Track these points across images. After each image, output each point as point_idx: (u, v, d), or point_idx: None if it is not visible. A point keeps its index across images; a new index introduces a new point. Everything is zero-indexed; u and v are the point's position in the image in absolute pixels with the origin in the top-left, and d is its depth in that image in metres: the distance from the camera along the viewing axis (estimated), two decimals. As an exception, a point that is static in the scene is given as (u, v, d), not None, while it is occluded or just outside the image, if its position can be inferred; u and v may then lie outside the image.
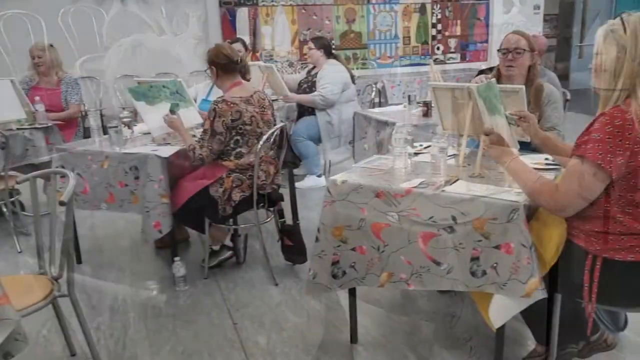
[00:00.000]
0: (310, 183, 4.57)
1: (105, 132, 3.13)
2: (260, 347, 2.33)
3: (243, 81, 2.92)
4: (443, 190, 1.91)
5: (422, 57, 8.39)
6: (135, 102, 2.98)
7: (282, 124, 2.91)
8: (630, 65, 1.58)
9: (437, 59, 8.51)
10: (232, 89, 2.83)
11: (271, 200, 2.94)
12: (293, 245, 2.94)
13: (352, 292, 2.31)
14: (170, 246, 2.96)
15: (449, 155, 2.42)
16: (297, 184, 4.57)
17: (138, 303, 2.75)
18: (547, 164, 2.19)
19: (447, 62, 8.66)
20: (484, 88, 2.00)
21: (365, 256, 2.13)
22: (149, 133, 3.06)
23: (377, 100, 6.46)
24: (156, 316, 2.61)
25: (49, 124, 3.75)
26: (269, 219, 3.12)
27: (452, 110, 2.35)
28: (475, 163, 2.14)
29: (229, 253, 3.06)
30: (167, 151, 2.81)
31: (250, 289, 2.85)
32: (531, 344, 2.15)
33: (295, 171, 4.98)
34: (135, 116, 3.41)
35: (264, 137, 2.73)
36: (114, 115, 4.48)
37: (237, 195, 2.78)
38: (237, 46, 4.27)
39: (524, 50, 2.48)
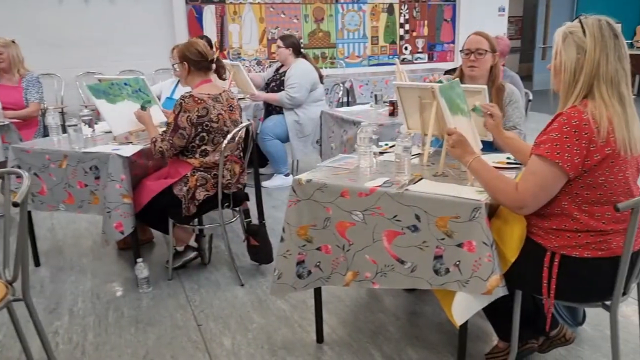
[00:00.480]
0: (277, 182, 4.55)
1: (65, 130, 3.04)
2: (225, 348, 2.30)
3: (212, 80, 2.87)
4: (407, 189, 1.92)
5: (391, 56, 8.47)
6: (95, 100, 2.90)
7: (247, 122, 2.88)
8: (588, 66, 1.62)
9: (405, 58, 8.61)
10: (200, 85, 2.78)
11: (236, 200, 2.91)
12: (259, 245, 2.92)
13: (317, 292, 2.31)
14: (132, 247, 2.89)
15: (413, 155, 2.45)
16: (264, 183, 4.56)
17: (99, 306, 2.68)
18: (508, 163, 2.23)
19: (415, 62, 8.76)
20: (447, 88, 2.02)
21: (331, 255, 2.13)
22: (111, 132, 2.98)
23: (345, 99, 6.49)
24: (118, 319, 2.55)
25: (5, 122, 3.62)
26: (234, 219, 3.08)
27: (416, 110, 2.37)
28: (439, 162, 2.16)
29: (193, 254, 3.01)
30: (129, 150, 2.74)
31: (216, 290, 2.81)
32: (495, 340, 2.18)
33: (263, 170, 4.98)
34: (98, 115, 3.32)
35: (229, 136, 2.70)
36: (75, 113, 4.36)
37: (201, 195, 2.74)
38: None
39: (486, 51, 2.52)
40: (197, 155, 2.75)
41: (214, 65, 2.86)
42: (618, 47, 1.61)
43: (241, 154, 2.97)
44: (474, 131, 2.15)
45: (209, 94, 2.73)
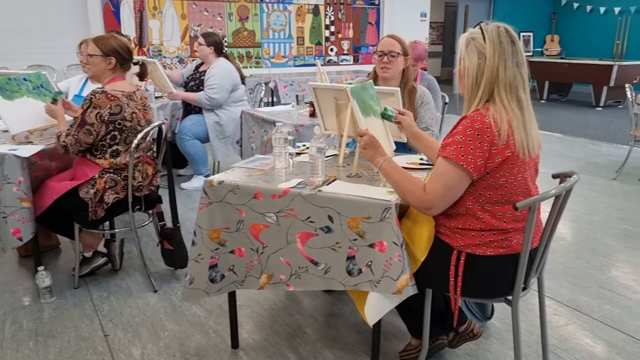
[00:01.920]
0: (197, 184, 4.42)
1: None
2: (134, 358, 2.19)
3: (126, 78, 2.73)
4: (320, 191, 1.91)
5: (316, 57, 8.51)
6: (-11, 96, 2.68)
7: (159, 121, 2.76)
8: (488, 71, 1.67)
9: (330, 60, 8.69)
10: (114, 82, 2.63)
11: (148, 203, 2.78)
12: (173, 250, 2.81)
13: (232, 296, 2.25)
14: (34, 255, 2.69)
15: (330, 155, 2.45)
16: (183, 185, 4.42)
17: (-5, 319, 2.47)
18: (421, 164, 2.28)
19: (341, 63, 8.87)
20: (359, 89, 2.03)
21: (244, 259, 2.08)
22: (8, 131, 2.76)
23: (268, 99, 6.44)
24: (15, 333, 2.36)
25: None
26: (146, 223, 2.95)
27: (333, 111, 2.37)
28: (353, 163, 2.17)
29: (102, 260, 2.85)
30: (28, 151, 2.55)
31: (126, 297, 2.67)
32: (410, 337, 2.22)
33: (182, 171, 4.83)
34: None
35: (139, 135, 2.57)
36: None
37: (110, 198, 2.59)
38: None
39: (398, 53, 2.57)
40: (107, 156, 2.61)
41: (136, 68, 2.74)
42: (515, 54, 1.68)
43: (154, 154, 2.85)
44: (387, 132, 2.18)
45: (123, 92, 2.59)
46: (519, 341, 1.80)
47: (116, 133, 2.58)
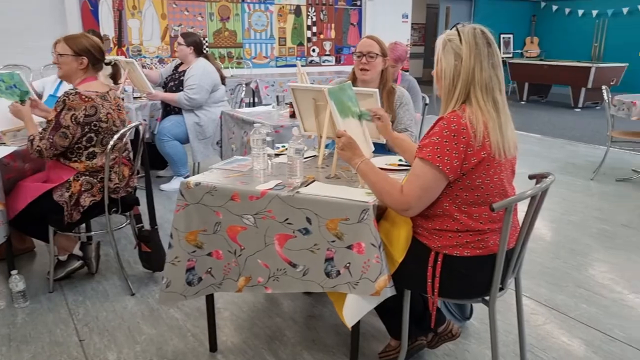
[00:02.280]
0: (176, 185, 4.35)
1: None
2: (110, 364, 2.15)
3: (98, 78, 2.68)
4: (298, 192, 1.90)
5: (298, 58, 8.50)
6: (-40, 96, 2.61)
7: (136, 122, 2.72)
8: (464, 73, 1.68)
9: (312, 60, 8.68)
10: (86, 83, 2.58)
11: (126, 205, 2.74)
12: (151, 252, 2.77)
13: (210, 299, 2.22)
14: (7, 258, 2.64)
15: (309, 156, 2.44)
16: (163, 186, 4.38)
17: (-34, 325, 2.41)
18: (400, 165, 2.29)
19: (323, 64, 8.87)
20: (337, 90, 2.02)
21: (222, 261, 2.06)
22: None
23: (250, 100, 6.41)
24: (-13, 338, 2.31)
25: None
26: (123, 225, 2.91)
27: (312, 112, 2.36)
28: (332, 164, 2.16)
29: (78, 263, 2.80)
30: (0, 152, 2.49)
31: (103, 301, 2.63)
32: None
33: (162, 173, 4.78)
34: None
35: (115, 137, 2.53)
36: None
37: (86, 201, 2.55)
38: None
39: (377, 54, 2.57)
40: (83, 158, 2.56)
41: (109, 68, 2.69)
42: (491, 55, 1.69)
43: (130, 155, 2.81)
44: (365, 133, 2.17)
45: (96, 92, 2.55)
46: (496, 341, 1.81)
47: (92, 135, 2.53)
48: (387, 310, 2.04)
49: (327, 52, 8.86)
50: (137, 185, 2.90)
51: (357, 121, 2.13)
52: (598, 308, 2.65)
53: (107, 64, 2.68)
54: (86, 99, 2.48)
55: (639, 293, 2.81)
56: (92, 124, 2.51)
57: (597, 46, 11.56)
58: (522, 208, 1.73)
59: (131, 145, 2.88)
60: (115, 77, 2.76)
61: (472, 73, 1.67)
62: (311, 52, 8.69)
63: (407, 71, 7.65)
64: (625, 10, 10.95)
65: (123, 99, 4.08)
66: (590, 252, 3.36)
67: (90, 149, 2.56)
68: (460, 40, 1.69)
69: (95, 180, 2.58)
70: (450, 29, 1.74)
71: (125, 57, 4.74)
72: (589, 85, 9.35)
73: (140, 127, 2.77)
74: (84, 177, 2.56)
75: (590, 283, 2.92)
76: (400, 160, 2.35)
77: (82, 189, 2.55)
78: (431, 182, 1.67)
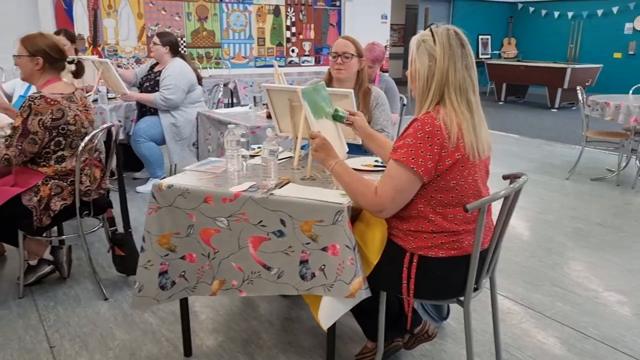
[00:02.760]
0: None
1: None
2: (81, 371, 2.11)
3: (61, 78, 2.62)
4: (271, 194, 1.88)
5: (277, 58, 8.47)
6: None
7: (108, 124, 2.67)
8: (438, 74, 1.68)
9: (292, 61, 8.66)
10: (50, 84, 2.52)
11: (98, 207, 2.68)
12: (125, 255, 2.72)
13: (184, 303, 2.19)
14: (-26, 264, 2.57)
15: (285, 158, 2.42)
16: (139, 188, 4.31)
17: None
18: (376, 166, 2.28)
19: (302, 64, 8.85)
20: (310, 91, 2.01)
21: (196, 264, 2.03)
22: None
23: (228, 100, 6.36)
24: (-47, 347, 2.24)
25: None
26: (95, 228, 2.85)
27: (287, 113, 2.34)
28: (307, 166, 2.15)
29: (49, 268, 2.73)
30: (-34, 154, 2.42)
31: (75, 307, 2.57)
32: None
33: (138, 174, 4.71)
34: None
35: (86, 138, 2.48)
36: None
37: (57, 205, 2.49)
38: (61, 39, 3.83)
39: (352, 55, 2.56)
40: (51, 162, 2.50)
41: (72, 67, 2.62)
42: (465, 56, 1.68)
43: (101, 157, 2.75)
44: (339, 134, 2.16)
45: (62, 94, 2.49)
46: (470, 342, 1.81)
47: (60, 139, 2.47)
48: (362, 312, 2.03)
49: (307, 53, 8.84)
50: (110, 187, 2.85)
51: (332, 122, 2.12)
52: (573, 306, 2.68)
53: (70, 62, 2.60)
54: (52, 102, 2.41)
55: (612, 291, 2.85)
56: (60, 128, 2.45)
57: (573, 47, 11.75)
58: (498, 208, 1.73)
59: (105, 146, 2.82)
60: (77, 74, 2.68)
61: (446, 74, 1.67)
62: (290, 53, 8.66)
63: (386, 72, 7.65)
64: (599, 12, 11.15)
65: (97, 100, 4.02)
66: (566, 250, 3.40)
67: (59, 153, 2.50)
68: (434, 41, 1.69)
69: (65, 183, 2.52)
70: (425, 30, 1.74)
71: (101, 57, 4.64)
72: (565, 86, 9.50)
73: (113, 129, 2.71)
74: (53, 180, 2.50)
75: (565, 281, 2.95)
76: (376, 161, 2.34)
77: (52, 193, 2.49)
78: (405, 184, 1.66)
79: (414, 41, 1.75)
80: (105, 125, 2.63)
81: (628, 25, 10.77)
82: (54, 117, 2.41)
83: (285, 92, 2.30)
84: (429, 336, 2.19)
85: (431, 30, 1.71)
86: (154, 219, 2.00)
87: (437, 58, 1.67)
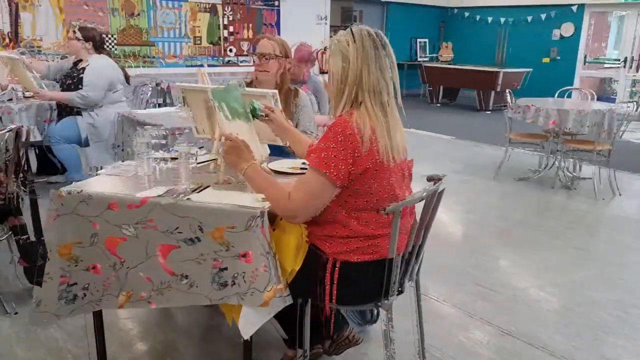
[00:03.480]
0: (71, 192, 4.05)
1: None
2: (-27, 396, 1.92)
3: None
4: (181, 199, 1.78)
5: (214, 58, 8.29)
6: None
7: (12, 126, 2.47)
8: (352, 76, 1.64)
9: (229, 60, 8.49)
10: None
11: (0, 215, 2.47)
12: (27, 267, 2.52)
13: (98, 315, 2.04)
14: None
15: (206, 161, 2.31)
16: (56, 193, 4.04)
17: None
18: (302, 168, 2.20)
19: (240, 64, 8.69)
20: (221, 91, 1.92)
21: (101, 276, 1.89)
22: None
23: (160, 100, 6.13)
24: None
25: None
26: (2, 238, 2.63)
27: (204, 114, 2.24)
28: (220, 169, 2.05)
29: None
30: None
31: (-29, 324, 2.36)
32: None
33: (55, 179, 4.43)
34: None
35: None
36: None
37: (-52, 213, 2.27)
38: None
39: (272, 55, 2.51)
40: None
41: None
42: (379, 58, 1.65)
43: (5, 160, 2.54)
44: (255, 136, 2.08)
45: None
46: (390, 347, 1.79)
47: None
48: (283, 320, 1.97)
49: (245, 52, 8.69)
50: (20, 194, 2.64)
51: (247, 123, 2.04)
52: (494, 304, 2.73)
53: None
54: None
55: (531, 288, 2.94)
56: None
57: (500, 52, 12.21)
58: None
59: (14, 151, 2.60)
60: None
61: (360, 76, 1.64)
62: (228, 52, 8.48)
63: (325, 72, 7.63)
64: (529, 18, 11.63)
65: (11, 99, 3.74)
66: (488, 249, 3.48)
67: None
68: (348, 41, 1.65)
69: (-40, 189, 2.31)
70: (343, 30, 1.70)
71: (8, 53, 4.28)
72: (498, 89, 9.87)
73: (22, 130, 2.51)
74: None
75: (487, 280, 3.01)
76: (303, 163, 2.27)
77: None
78: (318, 189, 1.61)
79: (329, 42, 1.71)
80: (7, 128, 2.43)
81: (555, 32, 11.33)
82: None
83: (201, 92, 2.20)
84: (350, 341, 2.15)
85: (351, 30, 1.68)
86: (54, 227, 1.84)
87: (350, 59, 1.64)
